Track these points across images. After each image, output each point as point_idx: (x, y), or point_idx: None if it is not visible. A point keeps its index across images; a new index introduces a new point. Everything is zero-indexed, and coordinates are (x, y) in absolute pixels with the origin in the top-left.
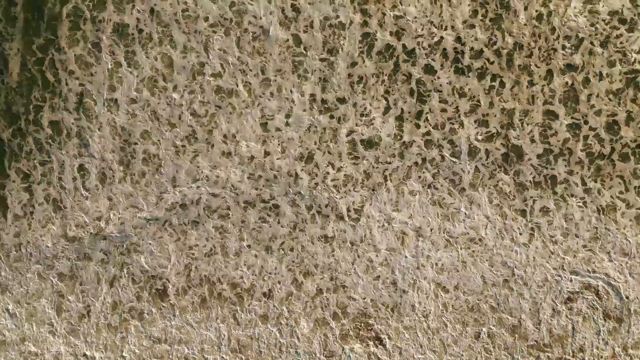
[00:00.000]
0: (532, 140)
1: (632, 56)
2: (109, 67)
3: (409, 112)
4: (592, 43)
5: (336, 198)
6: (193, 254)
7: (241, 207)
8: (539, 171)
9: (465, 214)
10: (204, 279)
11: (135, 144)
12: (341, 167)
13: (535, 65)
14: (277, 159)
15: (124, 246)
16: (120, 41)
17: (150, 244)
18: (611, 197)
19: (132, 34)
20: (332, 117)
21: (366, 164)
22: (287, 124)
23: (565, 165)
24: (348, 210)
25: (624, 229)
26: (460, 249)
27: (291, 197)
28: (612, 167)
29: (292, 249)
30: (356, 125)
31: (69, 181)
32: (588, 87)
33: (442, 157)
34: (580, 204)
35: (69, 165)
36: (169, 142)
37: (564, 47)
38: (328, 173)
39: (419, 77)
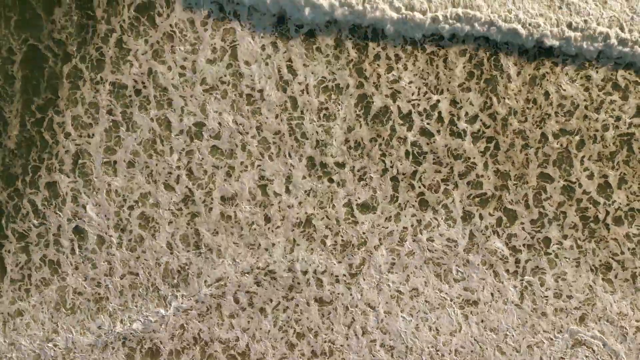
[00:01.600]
0: (527, 206)
1: (626, 120)
2: (107, 127)
3: (404, 174)
4: (586, 107)
5: (333, 263)
6: (187, 314)
7: (240, 275)
8: (532, 235)
9: (459, 275)
10: (197, 338)
11: (132, 207)
12: (339, 231)
13: (530, 130)
14: (277, 227)
15: (126, 321)
16: (118, 102)
17: (147, 314)
18: (605, 257)
19: (130, 96)
20: (331, 180)
21: (363, 227)
22: (287, 190)
23: (560, 230)
24: (344, 274)
25: (617, 289)
26: (456, 310)
27: (287, 264)
28: (606, 231)
29: (284, 310)
30: (354, 189)
31: (66, 244)
32: (582, 150)
33: (437, 220)
34: (574, 265)
35: (65, 228)
36: (166, 205)
37: (557, 114)
38: (326, 236)
39: (415, 140)
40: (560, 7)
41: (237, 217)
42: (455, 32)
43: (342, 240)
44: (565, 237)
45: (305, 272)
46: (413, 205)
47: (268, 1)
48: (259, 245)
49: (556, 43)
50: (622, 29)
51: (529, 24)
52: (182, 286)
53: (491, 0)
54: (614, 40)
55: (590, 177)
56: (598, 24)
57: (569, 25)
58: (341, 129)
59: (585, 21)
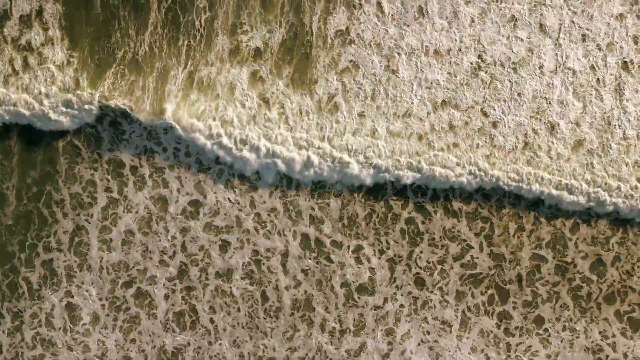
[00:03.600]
0: (520, 287)
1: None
2: (104, 205)
3: (400, 255)
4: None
5: (332, 348)
6: None
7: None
8: (524, 315)
9: (453, 356)
10: None
11: (128, 285)
12: (339, 316)
13: (525, 213)
14: (275, 310)
15: None
16: (115, 180)
17: None
18: (598, 335)
19: (127, 175)
20: (330, 260)
21: (360, 309)
22: (284, 267)
23: (552, 310)
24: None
25: None
26: None
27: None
28: (598, 310)
29: None
30: (350, 267)
31: (60, 323)
32: (576, 233)
33: (432, 301)
34: (567, 344)
35: (59, 307)
36: (161, 281)
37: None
38: (325, 320)
39: (410, 216)
40: None
41: (234, 295)
42: None
43: (341, 326)
44: (559, 318)
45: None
46: (409, 284)
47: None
48: (257, 327)
49: None
50: None
51: None
52: None
53: None
54: None
55: (585, 257)
56: None
57: None
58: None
59: None
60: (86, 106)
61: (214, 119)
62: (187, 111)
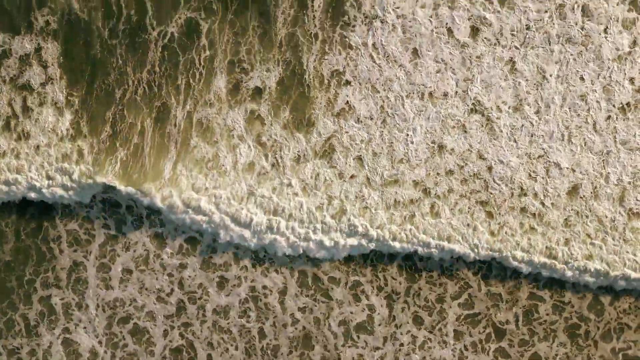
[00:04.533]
0: (517, 326)
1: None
2: (101, 241)
3: (398, 293)
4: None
5: None
6: None
7: None
8: (521, 354)
9: None
10: None
11: (125, 322)
12: (338, 357)
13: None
14: (272, 348)
15: None
16: (111, 217)
17: None
18: None
19: (123, 213)
20: (329, 297)
21: (359, 349)
22: (282, 305)
23: (549, 348)
24: None
25: None
26: None
27: None
28: (594, 348)
29: None
30: (348, 306)
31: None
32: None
33: (431, 341)
34: None
35: (56, 344)
36: (159, 318)
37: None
38: (324, 358)
39: (407, 253)
40: None
41: (231, 331)
42: None
43: None
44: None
45: None
46: (408, 322)
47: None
48: None
49: None
50: None
51: None
52: None
53: None
54: None
55: (582, 297)
56: None
57: None
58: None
59: None
60: (82, 181)
61: (210, 197)
62: (182, 190)
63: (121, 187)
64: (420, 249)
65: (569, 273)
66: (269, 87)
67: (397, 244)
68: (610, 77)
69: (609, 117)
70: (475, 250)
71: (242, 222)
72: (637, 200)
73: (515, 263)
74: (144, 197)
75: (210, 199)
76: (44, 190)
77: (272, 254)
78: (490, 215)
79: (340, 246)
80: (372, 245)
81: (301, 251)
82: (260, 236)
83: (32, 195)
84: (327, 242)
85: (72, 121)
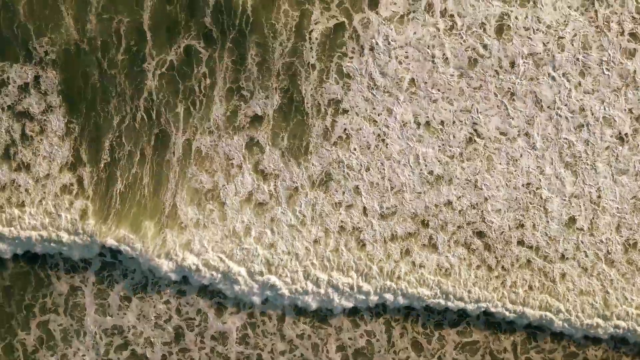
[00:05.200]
0: (515, 355)
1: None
2: (97, 268)
3: (397, 320)
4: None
5: None
6: None
7: None
8: None
9: None
10: None
11: (123, 349)
12: None
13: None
14: None
15: None
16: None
17: None
18: None
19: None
20: (327, 324)
21: None
22: (280, 331)
23: None
24: None
25: None
26: None
27: None
28: None
29: None
30: (347, 332)
31: None
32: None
33: None
34: None
35: None
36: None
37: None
38: None
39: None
40: None
41: (229, 358)
42: None
43: None
44: None
45: None
46: (407, 348)
47: None
48: None
49: None
50: None
51: None
52: None
53: None
54: None
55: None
56: None
57: None
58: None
59: None
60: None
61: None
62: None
63: (124, 247)
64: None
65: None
66: (268, 115)
67: (399, 299)
68: (609, 107)
69: (607, 147)
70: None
71: (238, 281)
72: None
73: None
74: (146, 260)
75: (211, 254)
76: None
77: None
78: (489, 268)
79: (335, 303)
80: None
81: (299, 304)
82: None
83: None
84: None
85: (72, 148)
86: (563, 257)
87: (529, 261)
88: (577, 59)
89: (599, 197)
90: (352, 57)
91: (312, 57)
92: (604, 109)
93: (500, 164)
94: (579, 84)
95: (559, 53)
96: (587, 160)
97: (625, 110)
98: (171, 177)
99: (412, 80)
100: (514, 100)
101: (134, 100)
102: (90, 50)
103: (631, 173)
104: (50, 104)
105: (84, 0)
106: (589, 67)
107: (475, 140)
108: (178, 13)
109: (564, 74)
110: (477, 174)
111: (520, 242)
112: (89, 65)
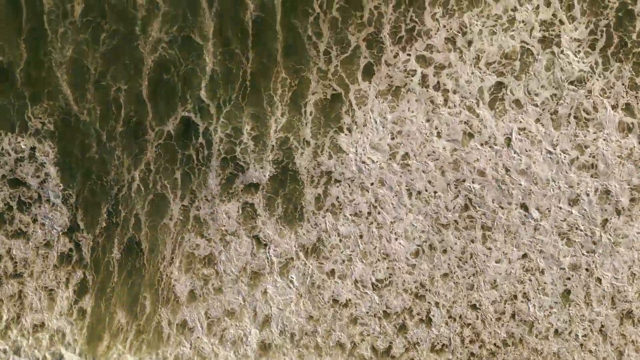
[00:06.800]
0: None
1: None
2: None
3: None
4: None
5: None
6: None
7: None
8: None
9: None
10: None
11: None
12: None
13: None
14: None
15: None
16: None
17: None
18: None
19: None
20: None
21: None
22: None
23: None
24: None
25: None
26: None
27: None
28: None
29: None
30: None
31: None
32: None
33: None
34: None
35: None
36: None
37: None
38: None
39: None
40: None
41: None
42: None
43: None
44: None
45: None
46: None
47: None
48: None
49: None
50: None
51: None
52: None
53: None
54: None
55: None
56: None
57: None
58: None
59: None
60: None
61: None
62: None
63: None
64: None
65: None
66: (262, 184)
67: None
68: (606, 179)
69: (605, 220)
70: None
71: None
72: None
73: None
74: None
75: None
76: None
77: None
78: (482, 343)
79: None
80: None
81: None
82: None
83: None
84: None
85: (69, 216)
86: (557, 332)
87: (521, 339)
88: (575, 135)
89: (596, 267)
90: (347, 133)
91: (308, 134)
92: (600, 184)
93: (495, 234)
94: (577, 158)
95: (553, 127)
96: (583, 231)
97: (622, 181)
98: (168, 242)
99: (406, 153)
100: (509, 173)
101: (131, 169)
102: (90, 121)
103: (628, 243)
104: (47, 174)
105: (80, 65)
106: (586, 143)
107: (468, 210)
108: (176, 83)
109: (561, 150)
110: (473, 243)
111: (513, 316)
112: (88, 138)
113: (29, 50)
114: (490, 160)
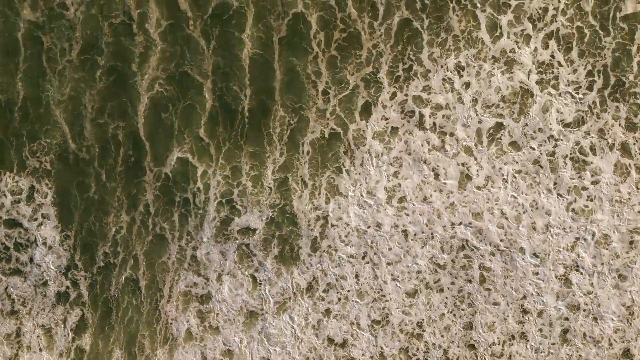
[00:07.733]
0: None
1: None
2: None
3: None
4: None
5: None
6: None
7: None
8: None
9: None
10: None
11: None
12: None
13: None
14: None
15: None
16: None
17: None
18: None
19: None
20: None
21: None
22: None
23: None
24: None
25: None
26: None
27: None
28: None
29: None
30: None
31: None
32: None
33: None
34: None
35: None
36: None
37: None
38: None
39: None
40: None
41: None
42: None
43: None
44: None
45: None
46: None
47: None
48: None
49: None
50: None
51: None
52: None
53: None
54: None
55: None
56: None
57: None
58: None
59: None
60: None
61: None
62: None
63: None
64: None
65: None
66: (259, 227)
67: None
68: (605, 222)
69: (602, 263)
70: None
71: None
72: None
73: None
74: None
75: None
76: None
77: None
78: None
79: None
80: None
81: None
82: None
83: None
84: None
85: (67, 257)
86: None
87: None
88: (570, 177)
89: (599, 305)
90: (344, 173)
91: (306, 174)
92: (598, 229)
93: (493, 273)
94: (575, 200)
95: (551, 171)
96: (583, 270)
97: (620, 224)
98: (167, 281)
99: (403, 197)
100: (505, 216)
101: (130, 211)
102: (89, 159)
103: (628, 282)
104: (45, 215)
105: (78, 103)
106: (584, 186)
107: (466, 253)
108: (173, 122)
109: (558, 193)
110: (470, 284)
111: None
112: (87, 177)
113: (26, 87)
114: (487, 202)
